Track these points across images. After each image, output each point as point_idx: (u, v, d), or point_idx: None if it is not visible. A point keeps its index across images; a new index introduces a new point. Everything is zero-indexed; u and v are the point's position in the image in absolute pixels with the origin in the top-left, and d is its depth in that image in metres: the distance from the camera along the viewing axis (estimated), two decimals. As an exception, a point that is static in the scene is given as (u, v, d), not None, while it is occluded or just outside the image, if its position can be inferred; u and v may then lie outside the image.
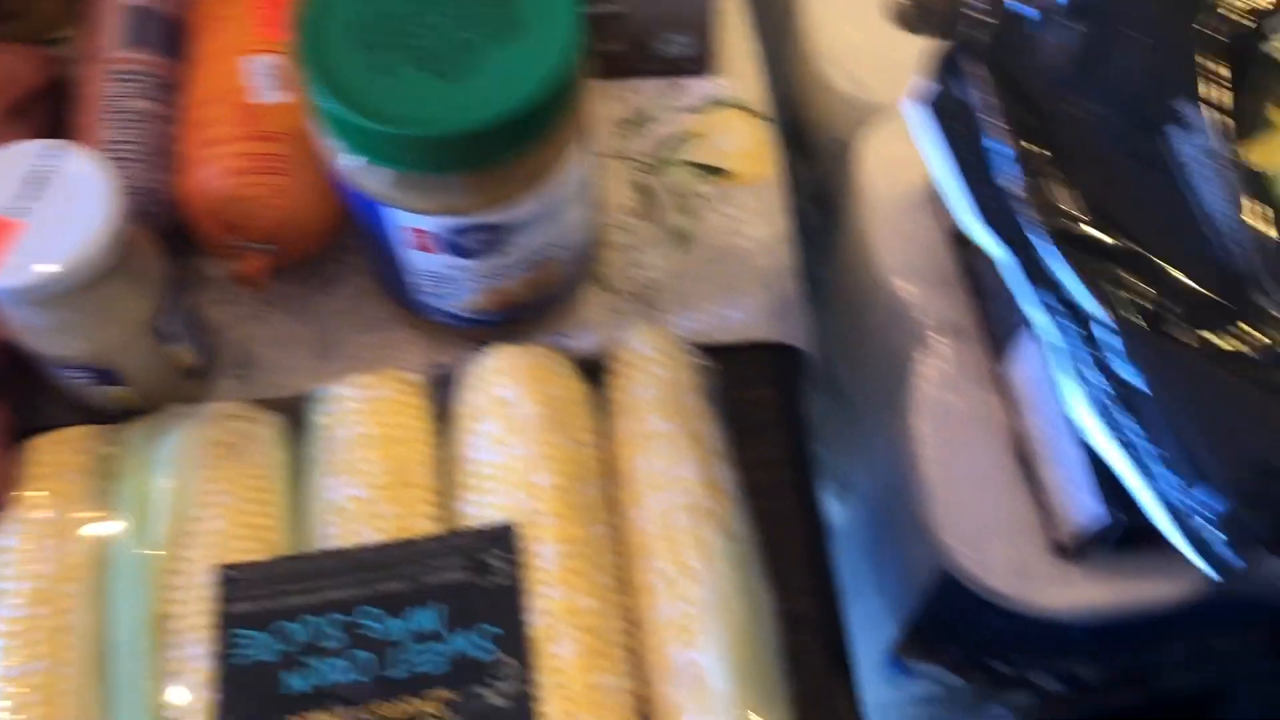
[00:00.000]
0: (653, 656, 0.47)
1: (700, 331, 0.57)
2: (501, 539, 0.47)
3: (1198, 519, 0.40)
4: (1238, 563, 0.40)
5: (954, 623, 0.61)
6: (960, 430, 0.55)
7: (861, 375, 0.68)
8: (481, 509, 0.48)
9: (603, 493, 0.50)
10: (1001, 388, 0.55)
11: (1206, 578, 0.52)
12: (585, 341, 0.56)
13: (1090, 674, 0.67)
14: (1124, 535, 0.49)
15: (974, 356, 0.56)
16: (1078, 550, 0.51)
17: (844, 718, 0.52)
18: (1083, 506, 0.49)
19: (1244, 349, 0.40)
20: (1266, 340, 0.40)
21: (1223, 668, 0.73)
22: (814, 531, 0.55)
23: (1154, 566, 0.51)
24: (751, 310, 0.59)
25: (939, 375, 0.56)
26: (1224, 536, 0.40)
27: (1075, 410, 0.43)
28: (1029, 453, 0.53)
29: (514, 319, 0.55)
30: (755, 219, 0.61)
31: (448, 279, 0.51)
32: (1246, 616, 0.63)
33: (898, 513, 0.60)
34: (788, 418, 0.57)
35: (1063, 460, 0.50)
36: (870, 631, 0.70)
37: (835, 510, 0.75)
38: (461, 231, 0.47)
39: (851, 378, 0.69)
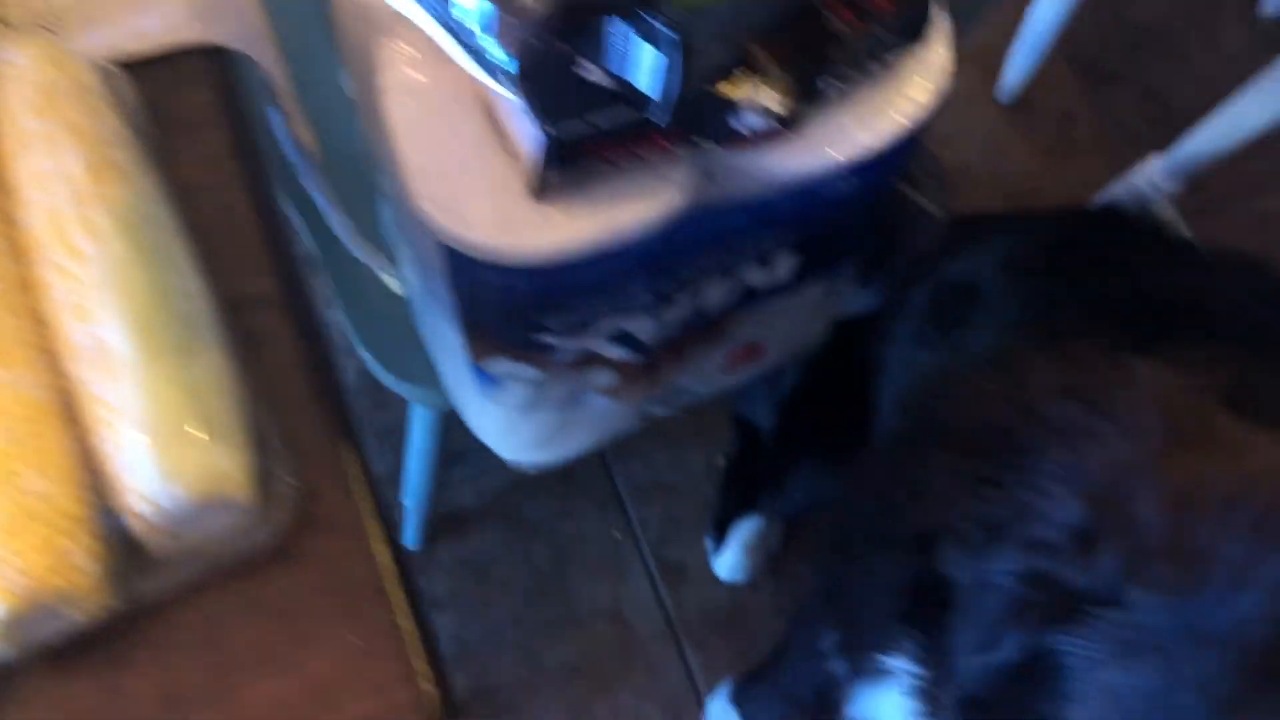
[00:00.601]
0: (59, 343, 0.46)
1: (116, 46, 0.55)
2: None
3: (504, 72, 0.41)
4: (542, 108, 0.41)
5: (483, 302, 0.62)
6: (430, 105, 0.54)
7: (364, 96, 0.66)
8: None
9: (-10, 207, 0.48)
10: (468, 58, 0.54)
11: (679, 192, 0.54)
12: (-18, 78, 0.53)
13: (643, 329, 0.69)
14: (565, 151, 0.50)
15: (439, 35, 0.55)
16: (544, 186, 0.52)
17: (317, 384, 0.52)
18: (531, 137, 0.50)
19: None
20: None
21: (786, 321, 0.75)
22: (266, 218, 0.55)
23: (625, 192, 0.52)
24: (171, 18, 0.56)
25: (405, 58, 0.55)
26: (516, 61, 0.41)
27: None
28: (495, 112, 0.53)
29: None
30: (169, -70, 0.58)
31: None
32: (752, 234, 0.64)
33: (409, 215, 0.59)
34: (227, 115, 0.56)
35: (515, 105, 0.50)
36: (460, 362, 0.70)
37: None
38: None
39: (363, 104, 0.68)
